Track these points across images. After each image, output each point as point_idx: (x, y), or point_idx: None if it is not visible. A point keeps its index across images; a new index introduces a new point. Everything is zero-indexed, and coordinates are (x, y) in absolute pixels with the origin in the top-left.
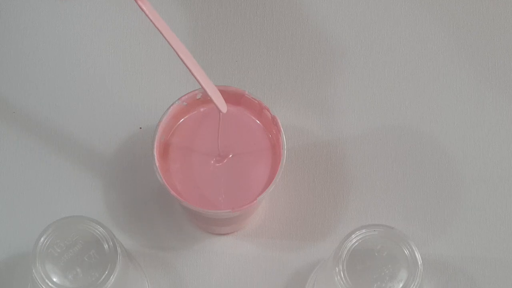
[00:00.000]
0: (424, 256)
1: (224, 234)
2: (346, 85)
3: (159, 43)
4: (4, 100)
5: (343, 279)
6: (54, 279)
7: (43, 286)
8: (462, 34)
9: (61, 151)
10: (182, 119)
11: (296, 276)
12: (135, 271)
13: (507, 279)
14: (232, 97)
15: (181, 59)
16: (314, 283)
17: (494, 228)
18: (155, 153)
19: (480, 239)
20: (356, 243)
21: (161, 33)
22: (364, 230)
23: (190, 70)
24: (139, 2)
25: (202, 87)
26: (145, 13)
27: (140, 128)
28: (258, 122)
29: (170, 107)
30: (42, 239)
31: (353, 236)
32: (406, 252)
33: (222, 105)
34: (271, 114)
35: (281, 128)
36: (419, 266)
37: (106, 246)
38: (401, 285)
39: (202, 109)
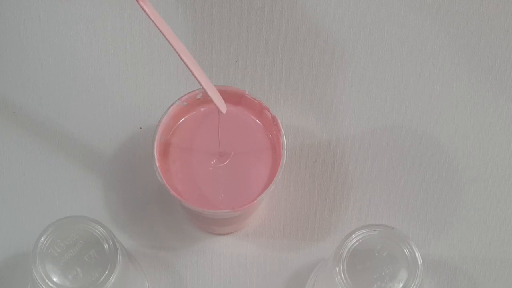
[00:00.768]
0: (424, 256)
1: (224, 234)
2: (346, 85)
3: (159, 43)
4: (4, 100)
5: (343, 279)
6: (54, 279)
7: (43, 286)
8: (462, 34)
9: (61, 151)
10: (182, 119)
11: (296, 276)
12: (135, 271)
13: (507, 279)
14: (232, 97)
15: (181, 59)
16: (314, 283)
17: (494, 228)
18: (155, 153)
19: (480, 239)
20: (356, 243)
21: (161, 33)
22: (364, 230)
23: (190, 70)
24: (141, 2)
25: (202, 87)
26: (146, 13)
27: (140, 128)
28: (258, 122)
29: (170, 107)
30: (42, 239)
31: (353, 236)
32: (406, 252)
33: (222, 106)
34: (271, 114)
35: (281, 128)
36: (419, 266)
37: (106, 246)
38: (401, 285)
39: (202, 109)
